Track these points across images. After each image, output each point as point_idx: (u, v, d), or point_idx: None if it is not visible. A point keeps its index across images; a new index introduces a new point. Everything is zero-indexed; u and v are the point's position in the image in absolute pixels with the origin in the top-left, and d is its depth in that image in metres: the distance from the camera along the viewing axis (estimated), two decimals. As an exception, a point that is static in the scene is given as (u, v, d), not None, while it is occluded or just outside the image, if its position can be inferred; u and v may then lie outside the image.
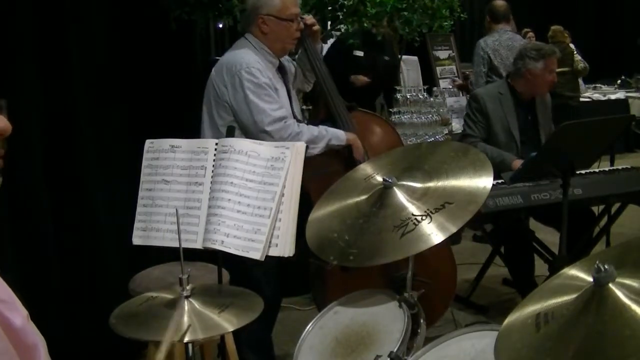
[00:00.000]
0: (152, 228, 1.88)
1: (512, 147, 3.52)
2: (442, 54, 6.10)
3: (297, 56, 2.91)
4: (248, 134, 2.45)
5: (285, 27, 2.57)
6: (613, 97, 8.22)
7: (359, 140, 2.69)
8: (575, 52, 6.87)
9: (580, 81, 7.80)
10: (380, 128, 2.94)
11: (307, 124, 2.66)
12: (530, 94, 3.56)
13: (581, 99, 7.48)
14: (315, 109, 2.76)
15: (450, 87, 5.93)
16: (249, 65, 2.49)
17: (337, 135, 2.64)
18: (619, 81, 8.86)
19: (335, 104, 2.73)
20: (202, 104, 2.62)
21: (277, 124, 2.47)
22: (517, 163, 3.32)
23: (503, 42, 4.84)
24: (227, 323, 1.54)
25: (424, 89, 4.39)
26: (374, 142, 2.76)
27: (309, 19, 2.75)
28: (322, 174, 2.45)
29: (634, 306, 1.06)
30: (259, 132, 2.45)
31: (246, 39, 2.62)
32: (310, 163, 2.40)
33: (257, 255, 1.71)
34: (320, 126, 2.63)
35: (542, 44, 3.71)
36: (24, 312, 0.97)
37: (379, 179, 1.87)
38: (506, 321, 1.31)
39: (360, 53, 4.75)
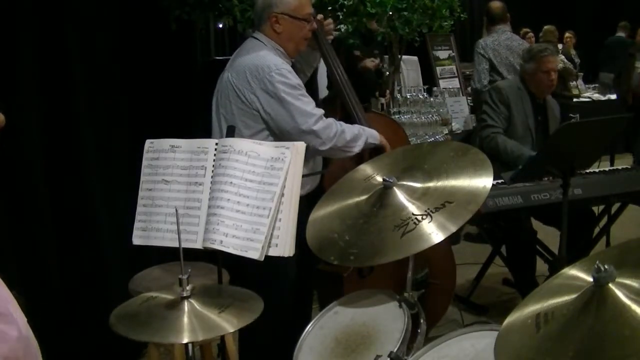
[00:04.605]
0: (152, 228, 1.88)
1: (528, 141, 3.56)
2: (442, 54, 6.09)
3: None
4: (286, 139, 2.25)
5: (299, 27, 2.44)
6: (613, 97, 8.21)
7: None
8: (559, 53, 6.96)
9: (581, 81, 7.82)
10: (393, 129, 2.90)
11: None
12: (539, 94, 3.61)
13: (581, 99, 7.50)
14: (331, 109, 2.68)
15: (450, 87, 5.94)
16: (277, 66, 2.33)
17: (372, 134, 2.55)
18: (619, 81, 8.88)
19: (354, 105, 2.66)
20: (213, 111, 2.46)
21: (322, 121, 2.36)
22: None
23: (502, 42, 4.87)
24: (227, 323, 1.54)
25: (424, 89, 4.39)
26: (390, 143, 2.66)
27: (322, 17, 2.63)
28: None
29: (634, 306, 1.06)
30: (304, 133, 2.32)
31: (257, 39, 2.46)
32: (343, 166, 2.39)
33: (255, 255, 1.71)
34: (356, 125, 2.55)
35: (537, 45, 3.77)
36: (21, 321, 0.96)
37: (379, 179, 1.87)
38: (506, 321, 1.31)
39: (358, 52, 4.77)
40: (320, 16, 2.66)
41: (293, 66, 2.52)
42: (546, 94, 3.65)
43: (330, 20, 2.68)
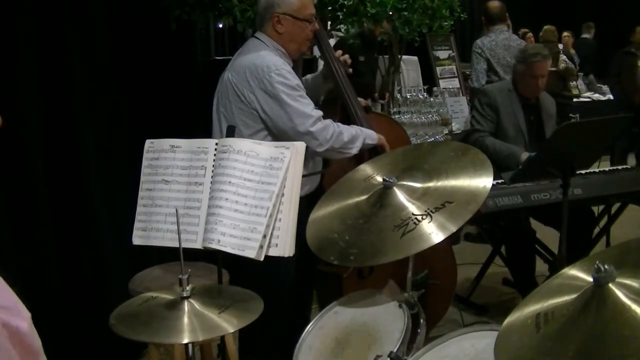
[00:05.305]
0: (152, 228, 1.88)
1: (521, 142, 3.56)
2: (442, 54, 6.09)
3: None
4: (284, 139, 2.24)
5: (301, 28, 2.44)
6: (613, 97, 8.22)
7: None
8: (561, 53, 6.96)
9: (581, 81, 7.83)
10: (393, 130, 2.89)
11: None
12: (527, 95, 3.60)
13: (581, 99, 7.51)
14: (330, 110, 2.68)
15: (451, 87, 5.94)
16: (277, 67, 2.33)
17: (370, 135, 2.55)
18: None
19: (354, 106, 2.66)
20: (213, 111, 2.47)
21: (319, 123, 2.36)
22: (526, 155, 3.36)
23: (500, 42, 4.85)
24: (227, 324, 1.54)
25: (424, 89, 4.39)
26: (391, 143, 2.66)
27: (340, 53, 2.67)
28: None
29: (634, 306, 1.06)
30: (301, 134, 2.31)
31: (259, 39, 2.46)
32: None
33: (252, 254, 1.71)
34: (353, 125, 2.55)
35: (532, 47, 3.77)
36: (27, 314, 0.97)
37: (379, 179, 1.87)
38: (506, 321, 1.31)
39: (362, 58, 4.80)
40: (339, 52, 2.68)
41: (294, 69, 2.52)
42: (535, 95, 3.64)
43: (347, 56, 2.69)
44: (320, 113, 2.41)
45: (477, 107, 3.70)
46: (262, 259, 1.72)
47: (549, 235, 3.49)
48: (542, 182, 3.13)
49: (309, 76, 2.83)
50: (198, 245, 1.81)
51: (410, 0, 3.79)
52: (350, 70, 2.72)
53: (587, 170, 3.28)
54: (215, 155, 1.85)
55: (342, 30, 4.11)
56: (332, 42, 4.28)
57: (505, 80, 4.14)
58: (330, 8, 3.49)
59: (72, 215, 2.74)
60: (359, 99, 2.81)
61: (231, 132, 2.06)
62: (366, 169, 2.04)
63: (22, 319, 0.95)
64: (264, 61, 2.35)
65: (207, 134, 2.50)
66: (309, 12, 2.46)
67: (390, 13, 3.76)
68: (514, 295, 3.77)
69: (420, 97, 4.16)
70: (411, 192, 1.80)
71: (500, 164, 3.37)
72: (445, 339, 1.69)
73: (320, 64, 2.90)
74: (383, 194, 1.82)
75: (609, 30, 9.65)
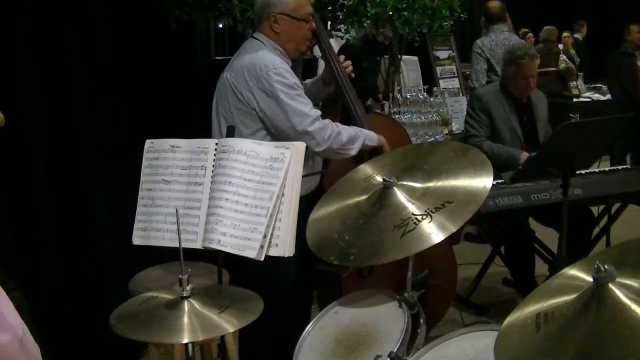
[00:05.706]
0: (152, 228, 1.88)
1: (517, 144, 3.55)
2: (442, 54, 6.10)
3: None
4: (282, 138, 2.25)
5: (298, 27, 2.43)
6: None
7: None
8: (561, 53, 6.96)
9: (581, 81, 7.85)
10: (394, 130, 2.88)
11: None
12: (518, 96, 3.59)
13: (581, 99, 7.52)
14: (331, 110, 2.68)
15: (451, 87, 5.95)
16: (275, 66, 2.32)
17: (370, 136, 2.54)
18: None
19: (354, 105, 2.65)
20: (213, 111, 2.46)
21: (317, 122, 2.35)
22: (525, 155, 3.35)
23: (499, 42, 4.84)
24: (227, 324, 1.54)
25: (424, 89, 4.40)
26: (391, 143, 2.65)
27: (343, 58, 2.67)
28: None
29: (634, 306, 1.06)
30: (299, 134, 2.30)
31: (257, 39, 2.46)
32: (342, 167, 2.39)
33: (252, 254, 1.71)
34: (353, 126, 2.53)
35: (519, 47, 3.72)
36: (15, 322, 0.91)
37: (379, 179, 1.87)
38: (506, 321, 1.31)
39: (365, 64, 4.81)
40: (342, 57, 2.67)
41: (293, 68, 2.52)
42: (526, 95, 3.63)
43: (349, 62, 2.69)
44: (318, 112, 2.40)
45: (470, 112, 3.68)
46: (262, 259, 1.71)
47: (548, 235, 3.49)
48: (542, 182, 3.13)
49: (308, 81, 2.82)
50: (198, 245, 1.81)
51: (410, 0, 3.80)
52: (353, 75, 2.72)
53: (587, 170, 3.28)
54: (215, 155, 1.85)
55: (342, 30, 4.11)
56: (332, 42, 4.30)
57: (494, 83, 4.12)
58: (330, 8, 3.49)
59: (72, 215, 2.74)
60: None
61: (231, 132, 2.06)
62: (366, 169, 2.04)
63: (4, 332, 0.89)
64: (262, 60, 2.35)
65: (207, 134, 2.50)
66: (306, 11, 2.45)
67: (390, 13, 3.77)
68: (514, 295, 3.77)
69: (420, 97, 4.17)
70: (411, 192, 1.80)
71: (500, 166, 3.38)
72: (445, 339, 1.68)
73: (321, 64, 2.89)
74: (383, 194, 1.82)
75: (605, 31, 9.65)
